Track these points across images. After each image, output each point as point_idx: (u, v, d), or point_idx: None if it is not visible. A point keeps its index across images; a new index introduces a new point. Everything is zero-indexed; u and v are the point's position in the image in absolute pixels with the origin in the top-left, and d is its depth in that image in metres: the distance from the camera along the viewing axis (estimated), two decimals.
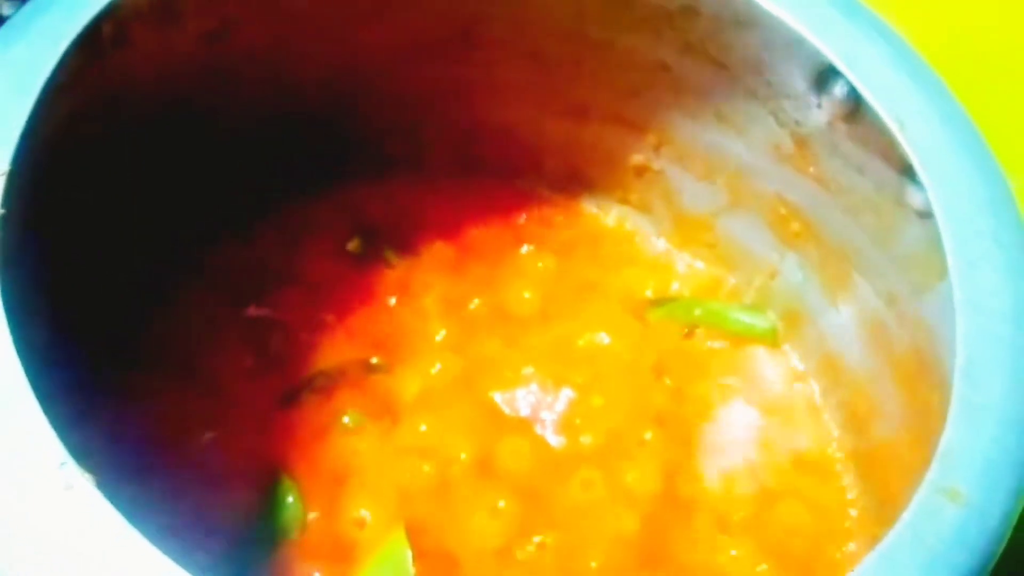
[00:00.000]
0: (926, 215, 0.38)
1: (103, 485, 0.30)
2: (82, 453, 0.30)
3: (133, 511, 0.30)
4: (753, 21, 0.41)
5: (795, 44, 0.41)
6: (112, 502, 0.29)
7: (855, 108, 0.40)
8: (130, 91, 0.41)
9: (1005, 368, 0.34)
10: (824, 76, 0.41)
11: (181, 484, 0.43)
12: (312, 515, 0.43)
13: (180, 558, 0.29)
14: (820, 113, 0.42)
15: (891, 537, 0.31)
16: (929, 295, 0.39)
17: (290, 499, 0.44)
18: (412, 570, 0.42)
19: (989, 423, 0.33)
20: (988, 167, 0.37)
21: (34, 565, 0.29)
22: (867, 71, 0.39)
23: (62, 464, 0.30)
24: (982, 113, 0.40)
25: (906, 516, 0.31)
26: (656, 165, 0.50)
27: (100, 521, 0.29)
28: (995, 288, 0.35)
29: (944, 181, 0.37)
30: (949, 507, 0.31)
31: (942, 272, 0.37)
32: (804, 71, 0.42)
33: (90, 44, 0.38)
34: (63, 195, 0.39)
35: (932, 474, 0.32)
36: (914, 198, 0.39)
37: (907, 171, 0.39)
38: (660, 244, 0.52)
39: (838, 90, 0.41)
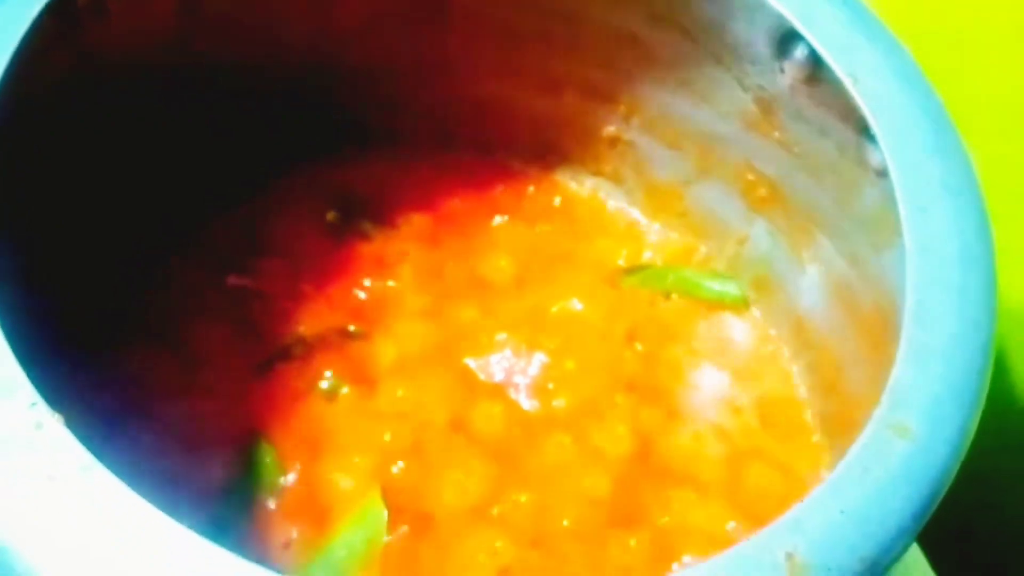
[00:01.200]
0: (883, 173, 0.39)
1: (72, 426, 0.30)
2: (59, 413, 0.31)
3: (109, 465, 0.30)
4: None
5: (756, 8, 0.42)
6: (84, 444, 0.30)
7: (815, 70, 0.41)
8: (107, 63, 0.42)
9: (952, 310, 0.34)
10: (785, 39, 0.42)
11: (159, 448, 0.44)
12: (290, 477, 0.44)
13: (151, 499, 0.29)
14: (783, 77, 0.43)
15: (839, 470, 0.31)
16: (888, 252, 0.39)
17: (268, 461, 0.44)
18: (386, 529, 0.42)
19: (937, 362, 0.33)
20: (938, 117, 0.38)
21: (5, 504, 0.29)
22: (825, 33, 0.40)
23: (32, 404, 0.30)
24: (950, 89, 0.41)
25: (854, 450, 0.32)
26: (627, 136, 0.51)
27: (70, 458, 0.30)
28: (943, 233, 0.36)
29: (897, 134, 0.38)
30: (897, 442, 0.32)
31: (899, 229, 0.37)
32: (766, 35, 0.42)
33: (64, 12, 0.38)
34: (38, 168, 0.40)
35: (881, 410, 0.32)
36: (873, 157, 0.40)
37: (864, 130, 0.39)
38: (633, 213, 0.53)
39: (799, 53, 0.42)
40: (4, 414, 0.30)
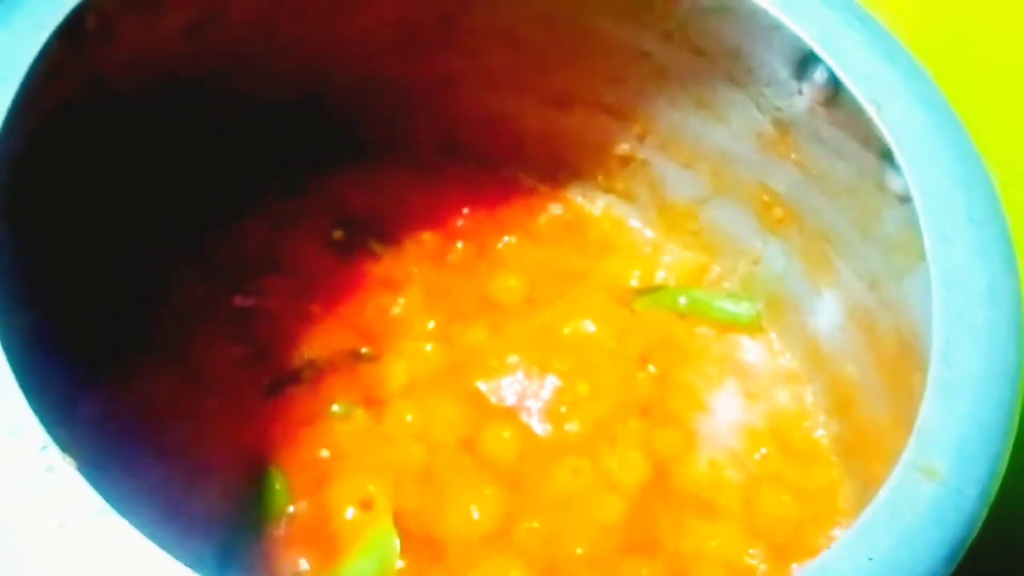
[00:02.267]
0: (906, 199, 0.38)
1: (84, 470, 0.30)
2: (66, 441, 0.30)
3: (118, 501, 0.30)
4: (732, 8, 0.41)
5: (774, 30, 0.41)
6: (94, 486, 0.29)
7: (835, 93, 0.41)
8: (114, 83, 0.41)
9: (979, 346, 0.34)
10: (804, 62, 0.41)
11: (167, 473, 0.43)
12: (299, 503, 0.44)
13: (163, 543, 0.29)
14: (801, 99, 0.42)
15: (868, 515, 0.31)
16: (909, 278, 0.39)
17: (277, 487, 0.44)
18: (398, 557, 0.42)
19: (964, 401, 0.33)
20: (963, 146, 0.38)
21: (13, 548, 0.29)
22: (845, 56, 0.40)
23: (43, 448, 0.30)
24: (968, 108, 0.41)
25: (883, 494, 0.31)
26: (641, 154, 0.50)
27: (81, 503, 0.29)
28: (969, 267, 0.35)
29: (921, 162, 0.37)
30: (925, 484, 0.31)
31: (921, 254, 0.37)
32: (784, 57, 0.42)
33: (73, 35, 0.38)
34: (47, 187, 0.40)
35: (909, 452, 0.32)
36: (894, 182, 0.39)
37: (886, 155, 0.39)
38: (646, 233, 0.52)
39: (818, 76, 0.41)
40: (15, 457, 0.29)
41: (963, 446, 0.32)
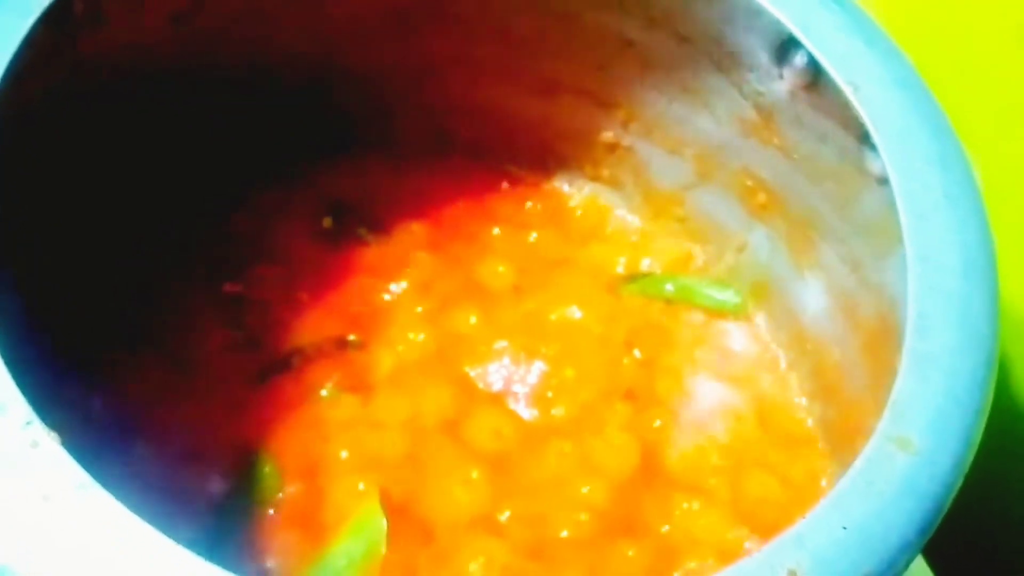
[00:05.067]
0: (885, 181, 0.39)
1: (70, 447, 0.30)
2: (55, 425, 0.31)
3: (107, 484, 0.30)
4: None
5: (754, 15, 0.41)
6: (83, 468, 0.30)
7: (815, 77, 0.41)
8: (102, 69, 0.42)
9: (954, 320, 0.34)
10: (784, 47, 0.42)
11: (157, 459, 0.44)
12: (289, 488, 0.44)
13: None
14: (782, 84, 0.43)
15: (842, 485, 0.31)
16: (890, 259, 0.39)
17: (266, 471, 0.44)
18: (386, 540, 0.42)
19: (939, 374, 0.33)
20: (939, 125, 0.38)
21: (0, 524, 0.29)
22: (824, 40, 0.40)
23: (28, 423, 0.30)
24: (947, 90, 0.41)
25: (857, 464, 0.31)
26: (626, 141, 0.51)
27: (65, 477, 0.30)
28: (945, 243, 0.35)
29: (898, 143, 0.38)
30: (900, 455, 0.32)
31: (900, 236, 0.37)
32: (765, 42, 0.42)
33: (60, 20, 0.38)
34: (33, 174, 0.40)
35: (883, 424, 0.32)
36: (874, 165, 0.40)
37: (865, 138, 0.39)
38: (632, 219, 0.53)
39: (798, 60, 0.41)
40: None
41: (937, 418, 0.32)
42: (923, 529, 0.31)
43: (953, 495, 0.32)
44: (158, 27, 0.43)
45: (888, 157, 0.37)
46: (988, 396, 0.34)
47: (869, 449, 0.32)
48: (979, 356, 0.34)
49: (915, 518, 0.31)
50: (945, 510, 0.32)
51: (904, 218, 0.36)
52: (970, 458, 0.33)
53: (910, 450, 0.32)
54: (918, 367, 0.33)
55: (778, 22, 0.41)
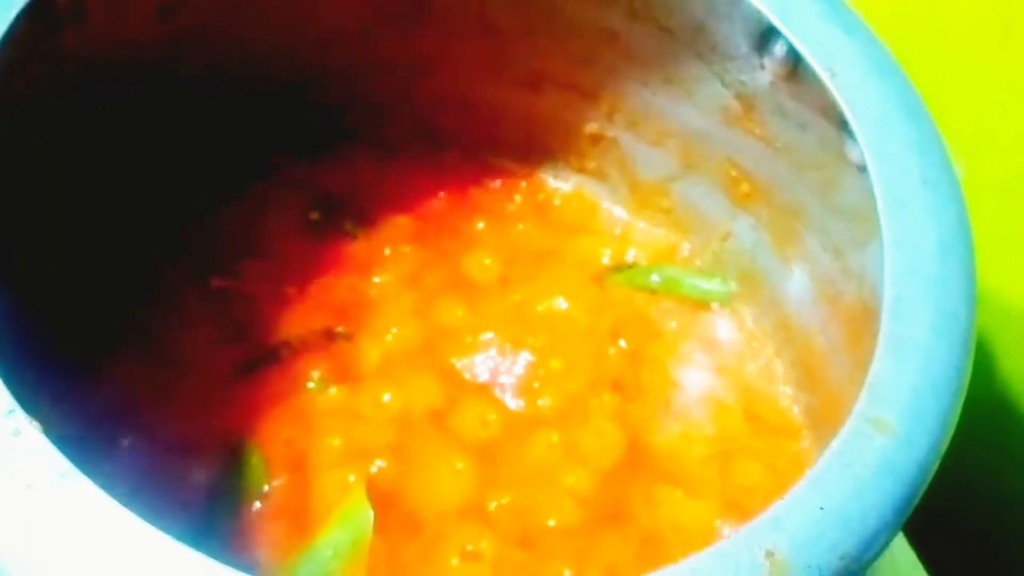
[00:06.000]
0: (864, 169, 0.39)
1: (54, 437, 0.30)
2: (41, 420, 0.31)
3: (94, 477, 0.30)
4: None
5: (735, 5, 0.42)
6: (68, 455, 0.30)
7: (795, 66, 0.41)
8: (86, 64, 0.42)
9: (930, 303, 0.34)
10: (764, 36, 0.42)
11: (144, 452, 0.44)
12: (276, 479, 0.44)
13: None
14: (763, 73, 0.43)
15: (819, 466, 0.31)
16: (871, 246, 0.39)
17: (253, 463, 0.44)
18: (373, 530, 0.42)
19: (915, 355, 0.33)
20: (915, 110, 0.38)
21: None
22: (803, 29, 0.40)
23: (10, 412, 0.30)
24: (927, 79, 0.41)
25: (834, 445, 0.32)
26: (610, 133, 0.51)
27: (47, 465, 0.30)
28: (922, 227, 0.36)
29: (875, 129, 0.38)
30: (877, 436, 0.32)
31: (879, 222, 0.37)
32: (745, 32, 0.42)
33: (43, 15, 0.38)
34: (17, 169, 0.40)
35: (860, 405, 0.32)
36: (853, 152, 0.40)
37: (844, 126, 0.39)
38: (617, 211, 0.53)
39: (778, 49, 0.41)
40: None
41: (914, 399, 0.33)
42: (900, 509, 0.31)
43: (931, 476, 0.32)
44: (142, 22, 0.43)
45: (866, 144, 0.38)
46: (965, 378, 0.34)
47: (846, 430, 0.32)
48: (956, 338, 0.34)
49: (892, 499, 0.31)
50: (923, 491, 0.32)
51: (882, 204, 0.36)
52: (947, 439, 0.33)
53: (887, 431, 0.32)
54: (895, 349, 0.33)
55: (757, 11, 0.41)
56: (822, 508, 0.30)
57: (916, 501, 0.32)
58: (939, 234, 0.35)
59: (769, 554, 0.30)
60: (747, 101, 0.45)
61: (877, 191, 0.36)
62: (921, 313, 0.34)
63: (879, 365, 0.33)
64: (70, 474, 0.30)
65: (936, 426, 0.32)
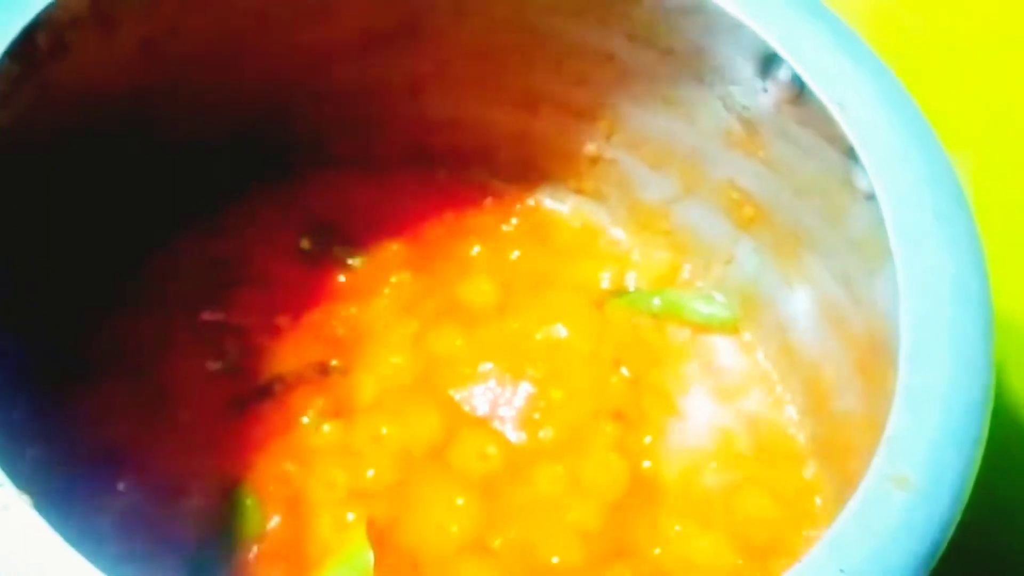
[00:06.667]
0: (872, 197, 0.38)
1: (42, 507, 0.29)
2: (29, 468, 0.30)
3: (86, 533, 0.29)
4: (695, 7, 0.41)
5: (737, 29, 0.41)
6: (52, 524, 0.29)
7: (799, 92, 0.40)
8: (68, 94, 0.41)
9: (948, 351, 0.33)
10: (768, 61, 0.41)
11: (138, 493, 0.43)
12: (272, 519, 0.43)
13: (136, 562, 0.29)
14: (766, 97, 0.42)
15: (838, 525, 0.31)
16: (880, 276, 0.39)
17: (248, 504, 0.43)
18: (373, 572, 0.42)
19: (934, 407, 0.33)
20: (927, 142, 0.37)
21: None
22: (808, 56, 0.39)
23: None
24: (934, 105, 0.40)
25: (853, 504, 0.31)
26: (609, 154, 0.50)
27: (37, 541, 0.29)
28: (937, 267, 0.35)
29: (885, 160, 0.37)
30: (896, 493, 0.31)
31: (889, 252, 0.37)
32: (748, 56, 0.41)
33: (25, 54, 0.37)
34: (4, 202, 0.39)
35: (879, 461, 0.31)
36: (861, 180, 0.39)
37: (851, 153, 0.38)
38: (617, 234, 0.52)
39: (782, 74, 0.40)
40: None
41: (933, 453, 0.32)
42: (922, 568, 0.31)
43: (952, 530, 0.31)
44: (126, 53, 0.42)
45: (876, 175, 0.37)
46: (984, 428, 0.33)
47: (864, 488, 0.31)
48: (974, 388, 0.33)
49: (913, 558, 0.30)
50: (943, 547, 0.31)
51: (894, 239, 0.35)
52: (968, 492, 0.32)
53: (907, 488, 0.31)
54: (912, 401, 0.32)
55: (759, 37, 0.40)
56: (842, 570, 0.30)
57: (937, 557, 0.31)
58: (955, 272, 0.34)
59: None
60: (750, 125, 0.44)
61: (888, 224, 0.36)
62: (938, 362, 0.33)
63: (897, 419, 0.32)
64: (63, 551, 0.29)
65: (957, 479, 0.32)
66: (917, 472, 0.31)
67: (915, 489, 0.31)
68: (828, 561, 0.30)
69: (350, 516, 0.44)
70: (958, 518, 0.32)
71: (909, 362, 0.33)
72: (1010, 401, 0.51)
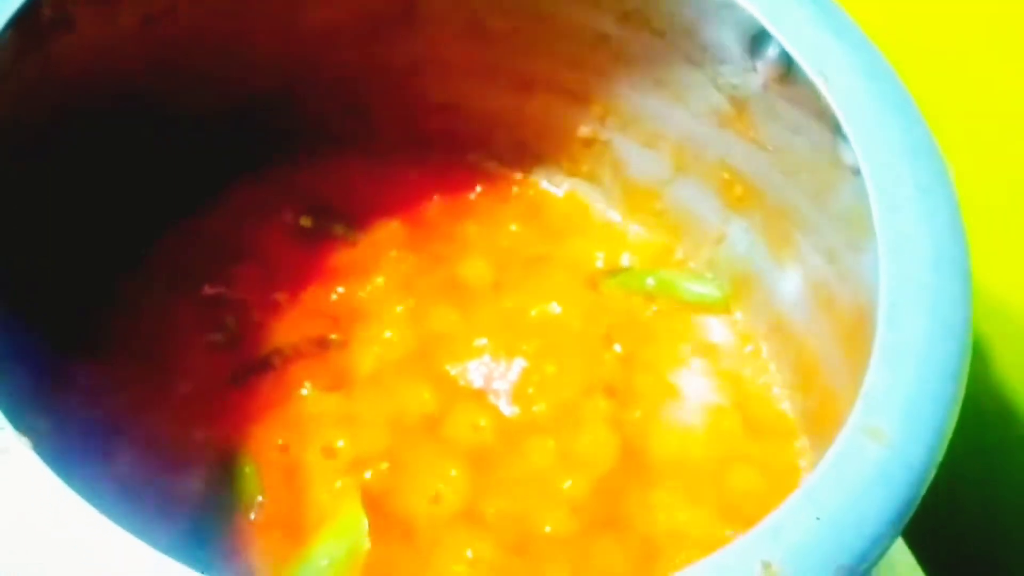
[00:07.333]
0: (859, 172, 0.39)
1: (40, 448, 0.30)
2: (32, 439, 0.31)
3: (84, 487, 0.30)
4: None
5: (726, 8, 0.41)
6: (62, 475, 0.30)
7: (787, 70, 0.41)
8: (72, 71, 0.41)
9: (926, 310, 0.34)
10: (756, 39, 0.41)
11: (135, 462, 0.44)
12: (269, 488, 0.44)
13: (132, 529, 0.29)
14: (756, 76, 0.43)
15: (815, 476, 0.31)
16: (866, 251, 0.39)
17: (246, 473, 0.44)
18: (367, 538, 0.42)
19: (910, 364, 0.33)
20: (910, 116, 0.38)
21: None
22: (795, 32, 0.40)
23: None
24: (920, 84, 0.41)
25: (829, 456, 0.31)
26: (603, 136, 0.51)
27: (38, 483, 0.30)
28: (916, 234, 0.35)
29: (869, 134, 0.37)
30: (872, 446, 0.32)
31: (874, 229, 0.37)
32: (737, 35, 0.42)
33: (29, 26, 0.38)
34: (5, 178, 0.40)
35: (855, 415, 0.32)
36: (847, 156, 0.39)
37: (838, 129, 0.39)
38: (610, 214, 0.53)
39: (771, 52, 0.41)
40: None
41: (909, 408, 0.32)
42: (896, 519, 0.31)
43: (926, 485, 0.32)
44: (129, 29, 0.43)
45: (860, 148, 0.37)
46: (961, 386, 0.34)
47: (841, 440, 0.32)
48: (951, 346, 0.34)
49: (888, 508, 0.31)
50: (919, 500, 0.32)
51: (876, 209, 0.36)
52: (943, 448, 0.33)
53: (882, 441, 0.32)
54: (890, 357, 0.33)
55: (749, 15, 0.41)
56: (818, 519, 0.30)
57: (912, 510, 0.31)
58: (934, 240, 0.35)
59: (766, 565, 0.30)
60: (740, 104, 0.44)
61: (871, 196, 0.36)
62: (916, 321, 0.34)
63: (874, 374, 0.33)
64: (60, 492, 0.29)
65: (931, 435, 0.32)
66: (892, 426, 0.32)
67: (890, 442, 0.32)
68: (805, 510, 0.31)
69: (346, 485, 0.44)
70: (933, 472, 0.32)
71: (887, 321, 0.34)
72: (995, 379, 0.52)
